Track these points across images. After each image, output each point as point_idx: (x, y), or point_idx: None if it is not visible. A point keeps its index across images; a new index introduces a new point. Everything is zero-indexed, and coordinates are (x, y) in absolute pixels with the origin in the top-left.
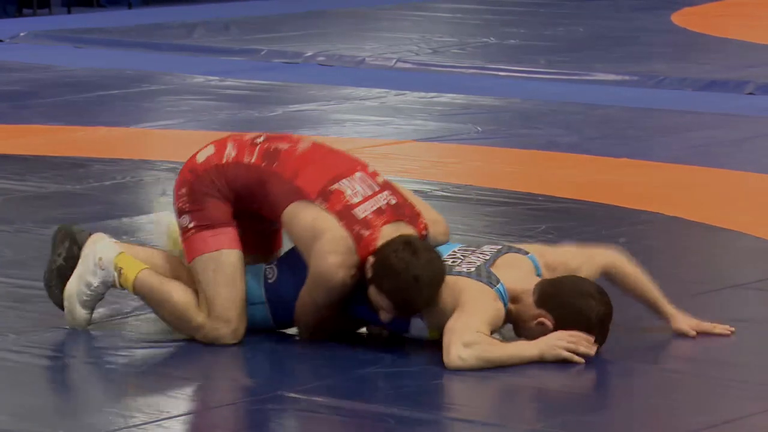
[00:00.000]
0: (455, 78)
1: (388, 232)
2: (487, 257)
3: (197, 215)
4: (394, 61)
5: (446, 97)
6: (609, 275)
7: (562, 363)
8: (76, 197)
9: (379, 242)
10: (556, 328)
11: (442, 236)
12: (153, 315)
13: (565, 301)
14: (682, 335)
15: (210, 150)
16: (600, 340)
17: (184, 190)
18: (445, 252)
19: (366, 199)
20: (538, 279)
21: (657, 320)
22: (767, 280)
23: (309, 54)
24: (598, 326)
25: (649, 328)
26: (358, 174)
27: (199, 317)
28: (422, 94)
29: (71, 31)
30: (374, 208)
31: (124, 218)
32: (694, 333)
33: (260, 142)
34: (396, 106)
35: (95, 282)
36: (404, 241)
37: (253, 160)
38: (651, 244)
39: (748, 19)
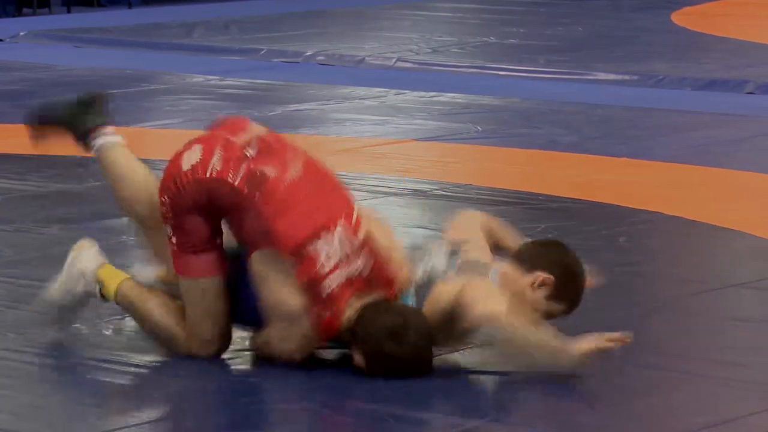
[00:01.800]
0: (455, 77)
1: (351, 306)
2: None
3: (179, 232)
4: (393, 60)
5: (446, 97)
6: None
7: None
8: (76, 196)
9: (344, 317)
10: (556, 287)
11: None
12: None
13: (561, 260)
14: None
15: (196, 154)
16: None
17: (166, 198)
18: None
19: (337, 266)
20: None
21: (656, 319)
22: (767, 280)
23: (309, 53)
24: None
25: (648, 328)
26: (339, 227)
27: (180, 337)
28: (422, 93)
29: (71, 31)
30: (344, 278)
31: (124, 217)
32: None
33: (249, 157)
34: (396, 106)
35: (79, 291)
36: (388, 333)
37: (236, 183)
38: (651, 244)
39: (748, 19)
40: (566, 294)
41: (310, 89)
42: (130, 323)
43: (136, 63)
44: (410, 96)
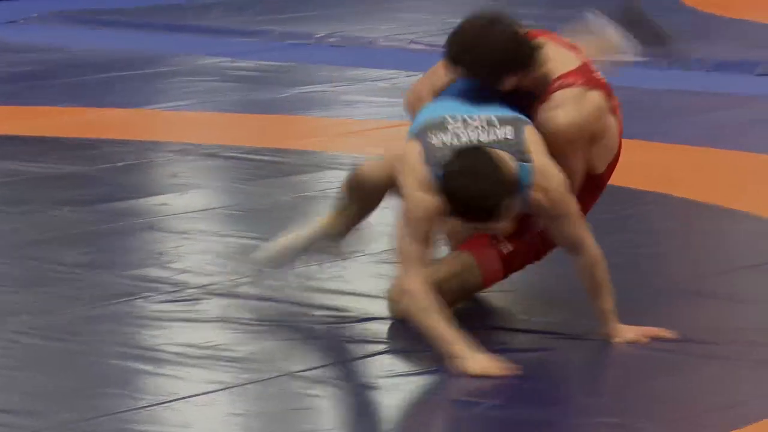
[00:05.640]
0: None
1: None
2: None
3: None
4: (406, 42)
5: None
6: (573, 260)
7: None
8: (87, 178)
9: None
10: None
11: None
12: (164, 297)
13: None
14: (633, 344)
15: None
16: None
17: None
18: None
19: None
20: None
21: (667, 300)
22: None
23: (321, 35)
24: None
25: (659, 310)
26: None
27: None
28: None
29: (85, 12)
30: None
31: (139, 199)
32: (645, 339)
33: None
34: (408, 87)
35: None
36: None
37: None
38: (661, 225)
39: (759, 0)
40: (456, 212)
41: (322, 71)
42: (136, 305)
43: (149, 44)
44: None
